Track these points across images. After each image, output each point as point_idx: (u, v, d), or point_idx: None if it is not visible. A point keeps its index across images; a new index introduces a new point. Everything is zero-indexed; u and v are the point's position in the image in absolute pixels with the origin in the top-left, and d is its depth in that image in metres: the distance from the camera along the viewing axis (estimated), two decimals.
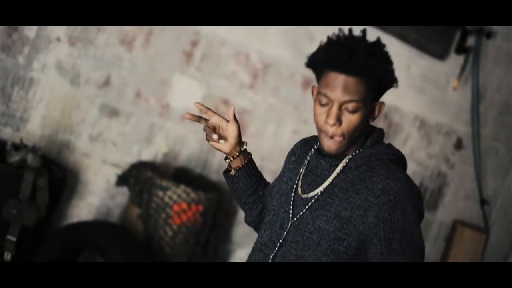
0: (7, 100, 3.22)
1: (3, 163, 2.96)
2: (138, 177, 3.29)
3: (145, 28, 3.33)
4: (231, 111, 1.80)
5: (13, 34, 3.17)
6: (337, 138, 1.67)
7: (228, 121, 1.80)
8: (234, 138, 1.80)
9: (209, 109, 1.81)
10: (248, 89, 3.51)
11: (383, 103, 1.72)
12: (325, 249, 1.66)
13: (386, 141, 1.79)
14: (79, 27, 3.25)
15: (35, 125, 3.28)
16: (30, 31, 3.20)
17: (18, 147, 3.02)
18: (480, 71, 3.71)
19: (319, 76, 1.70)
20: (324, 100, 1.66)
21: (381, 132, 1.77)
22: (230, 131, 1.80)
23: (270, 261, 1.74)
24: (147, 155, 3.45)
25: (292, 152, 1.91)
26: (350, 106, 1.64)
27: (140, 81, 3.38)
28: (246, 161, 1.86)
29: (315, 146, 1.82)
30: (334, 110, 1.65)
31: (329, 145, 1.69)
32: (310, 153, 1.82)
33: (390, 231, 1.62)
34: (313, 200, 1.72)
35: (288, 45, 3.49)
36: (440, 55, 3.68)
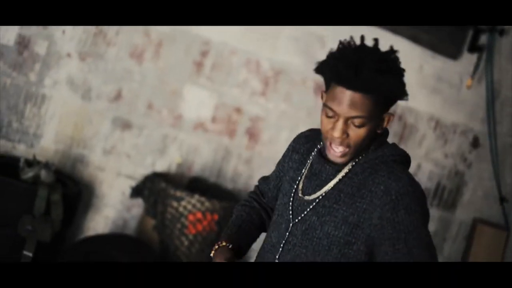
0: (20, 117, 3.23)
1: (17, 180, 2.97)
2: (152, 189, 3.29)
3: (155, 40, 3.33)
4: None
5: (24, 52, 3.18)
6: (342, 150, 1.67)
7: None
8: None
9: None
10: (260, 97, 3.50)
11: (392, 114, 1.71)
12: (335, 254, 1.67)
13: (401, 143, 1.77)
14: (89, 42, 3.25)
15: (48, 140, 3.28)
16: (41, 48, 3.21)
17: (31, 163, 3.03)
18: (494, 68, 3.68)
19: (327, 84, 1.69)
20: (330, 113, 1.66)
21: (385, 133, 1.76)
22: None
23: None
24: (161, 166, 3.44)
25: (293, 149, 1.89)
26: (357, 121, 1.64)
27: (151, 93, 3.38)
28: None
29: (319, 146, 1.81)
30: (340, 124, 1.65)
31: (334, 155, 1.69)
32: (312, 153, 1.81)
33: (394, 231, 1.61)
34: (314, 204, 1.72)
35: (299, 52, 3.47)
36: (453, 54, 3.65)
